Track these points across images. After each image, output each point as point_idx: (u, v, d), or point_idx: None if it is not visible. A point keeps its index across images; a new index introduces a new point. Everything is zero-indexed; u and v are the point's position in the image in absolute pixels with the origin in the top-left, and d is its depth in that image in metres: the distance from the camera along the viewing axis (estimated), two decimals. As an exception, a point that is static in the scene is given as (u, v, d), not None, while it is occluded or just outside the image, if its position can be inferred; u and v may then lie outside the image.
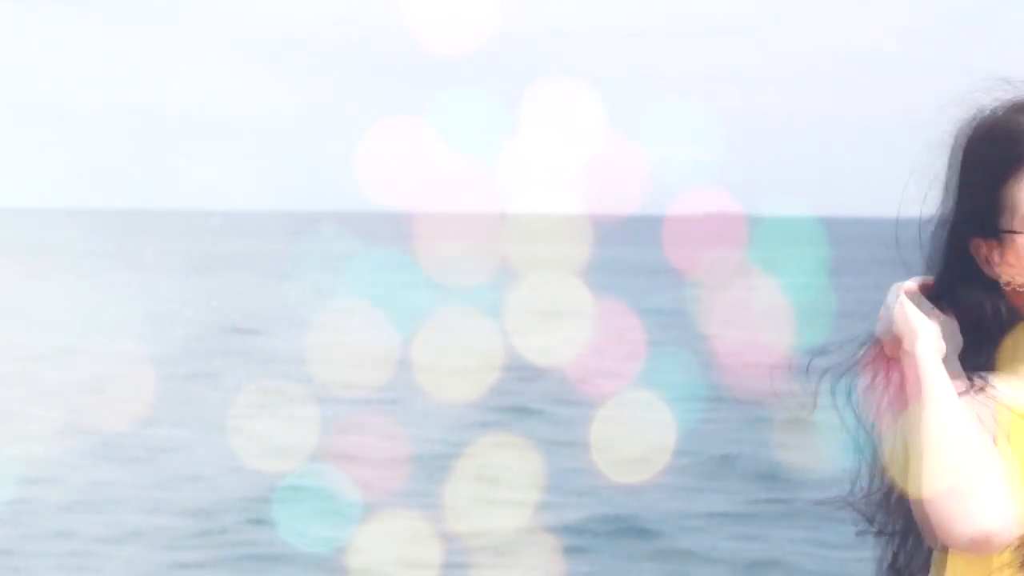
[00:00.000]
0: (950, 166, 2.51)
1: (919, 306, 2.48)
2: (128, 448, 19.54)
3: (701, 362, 27.14)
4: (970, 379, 2.47)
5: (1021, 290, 2.47)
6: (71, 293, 46.53)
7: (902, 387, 2.48)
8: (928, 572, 2.50)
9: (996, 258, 2.48)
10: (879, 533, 2.55)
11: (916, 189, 2.55)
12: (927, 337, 2.45)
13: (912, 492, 2.40)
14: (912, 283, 2.52)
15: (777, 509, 16.04)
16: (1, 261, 67.30)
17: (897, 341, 2.47)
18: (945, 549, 2.42)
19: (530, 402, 24.00)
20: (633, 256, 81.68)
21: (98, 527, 15.32)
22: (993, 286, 2.49)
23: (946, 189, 2.51)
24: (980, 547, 2.33)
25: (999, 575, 2.39)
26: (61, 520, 15.53)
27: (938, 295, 2.51)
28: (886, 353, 2.52)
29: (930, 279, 2.52)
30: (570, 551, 14.38)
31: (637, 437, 18.76)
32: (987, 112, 2.50)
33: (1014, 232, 2.45)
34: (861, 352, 2.55)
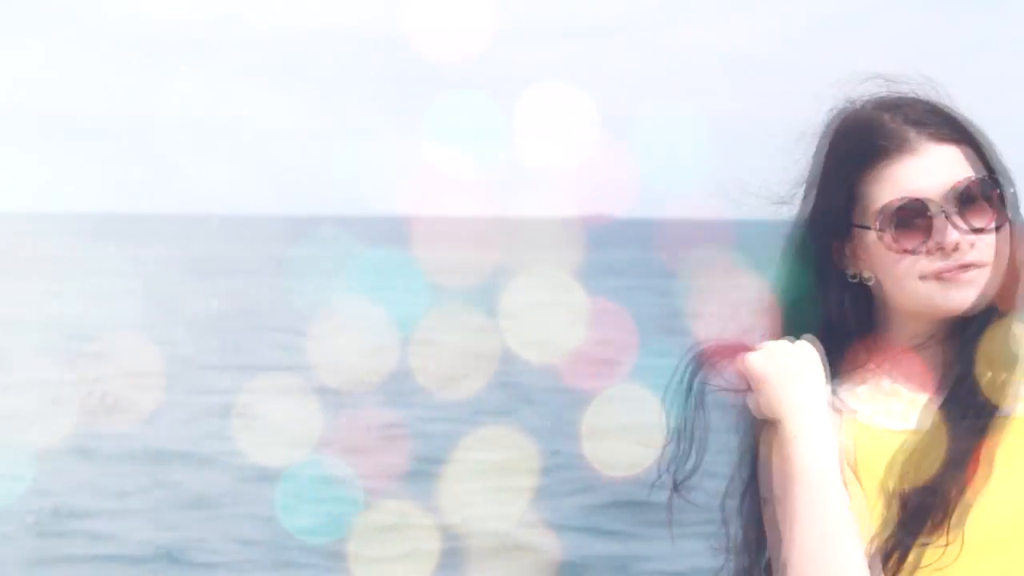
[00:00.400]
0: (813, 162, 2.48)
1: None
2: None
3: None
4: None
5: (869, 284, 2.45)
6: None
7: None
8: None
9: (848, 252, 2.46)
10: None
11: (783, 191, 2.51)
12: (803, 417, 2.35)
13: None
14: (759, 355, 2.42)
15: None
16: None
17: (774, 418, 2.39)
18: None
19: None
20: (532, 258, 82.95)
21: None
22: (848, 284, 2.47)
23: (808, 186, 2.48)
24: None
25: None
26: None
27: (796, 295, 2.48)
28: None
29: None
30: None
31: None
32: (851, 106, 2.47)
33: (864, 227, 2.43)
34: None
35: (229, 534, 15.03)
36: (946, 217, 2.38)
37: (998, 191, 2.40)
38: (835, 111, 2.48)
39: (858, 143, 2.42)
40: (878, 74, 2.49)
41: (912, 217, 2.39)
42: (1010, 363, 2.41)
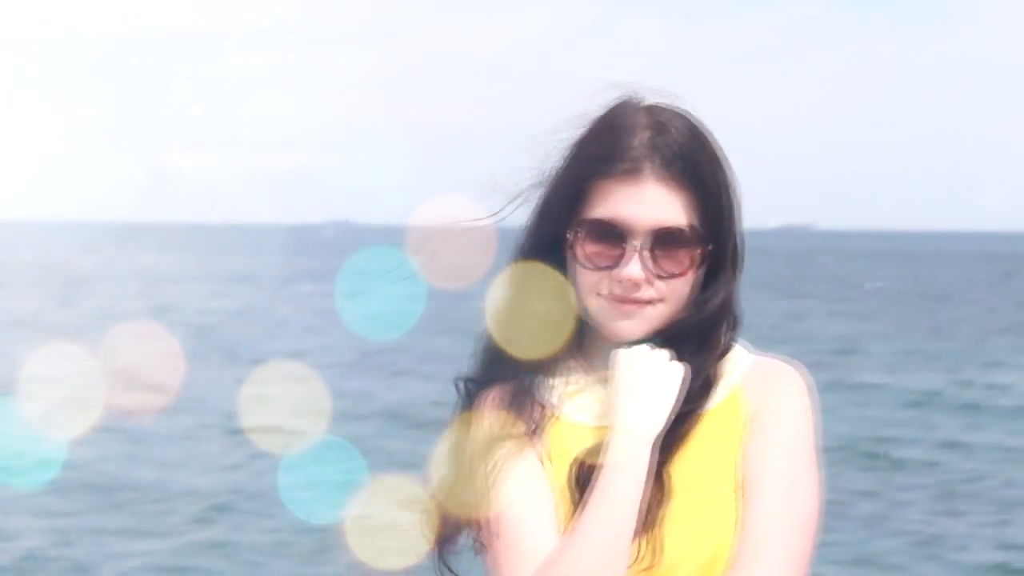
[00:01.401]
0: (556, 162, 2.49)
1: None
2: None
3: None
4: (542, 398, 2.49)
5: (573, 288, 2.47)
6: None
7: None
8: None
9: (565, 253, 2.48)
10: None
11: (515, 197, 2.52)
12: (632, 432, 2.39)
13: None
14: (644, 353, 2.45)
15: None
16: None
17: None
18: None
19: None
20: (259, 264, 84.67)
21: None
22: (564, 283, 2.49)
23: (545, 183, 2.49)
24: None
25: None
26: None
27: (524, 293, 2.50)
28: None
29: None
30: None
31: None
32: (606, 114, 2.46)
33: (576, 231, 2.44)
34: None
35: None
36: (640, 253, 2.40)
37: (701, 248, 2.42)
38: (588, 115, 2.47)
39: (596, 153, 2.42)
40: (613, 83, 2.50)
41: (610, 239, 2.41)
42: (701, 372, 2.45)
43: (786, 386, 2.48)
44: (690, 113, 2.47)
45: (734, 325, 2.50)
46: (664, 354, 2.45)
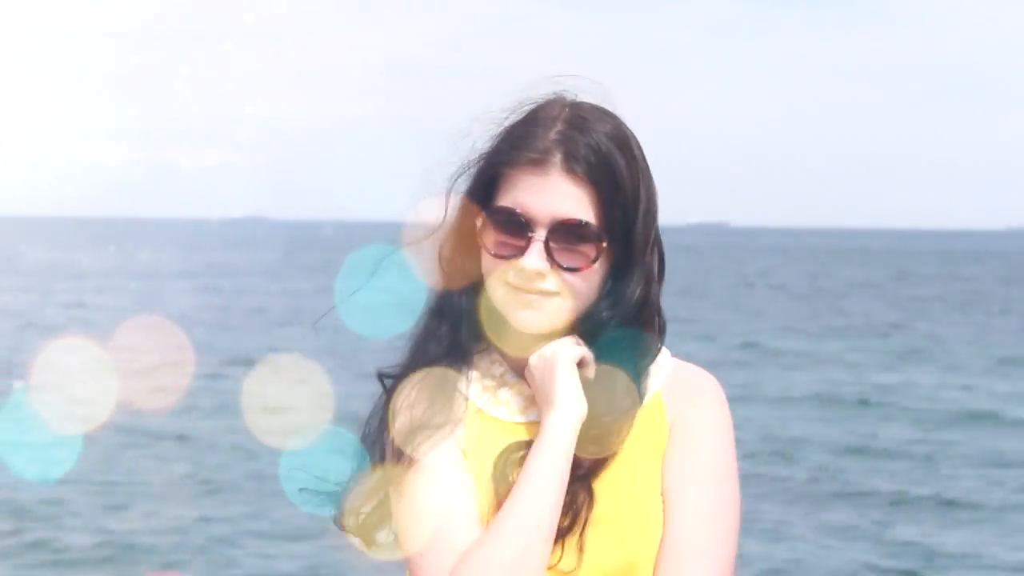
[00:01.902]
0: (482, 149, 2.48)
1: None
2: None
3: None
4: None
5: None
6: None
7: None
8: None
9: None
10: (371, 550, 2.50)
11: (429, 190, 2.51)
12: (566, 416, 2.38)
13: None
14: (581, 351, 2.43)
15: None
16: None
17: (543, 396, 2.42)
18: None
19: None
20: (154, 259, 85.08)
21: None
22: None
23: (469, 169, 2.48)
24: None
25: None
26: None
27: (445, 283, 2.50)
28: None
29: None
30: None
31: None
32: (531, 106, 2.47)
33: (483, 218, 2.44)
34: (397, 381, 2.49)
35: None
36: (542, 244, 2.40)
37: (602, 243, 2.40)
38: (516, 105, 2.47)
39: (511, 143, 2.42)
40: (547, 76, 2.50)
41: (514, 229, 2.41)
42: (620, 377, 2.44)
43: (708, 396, 2.48)
44: (615, 114, 2.46)
45: (662, 329, 2.49)
46: (583, 350, 2.44)
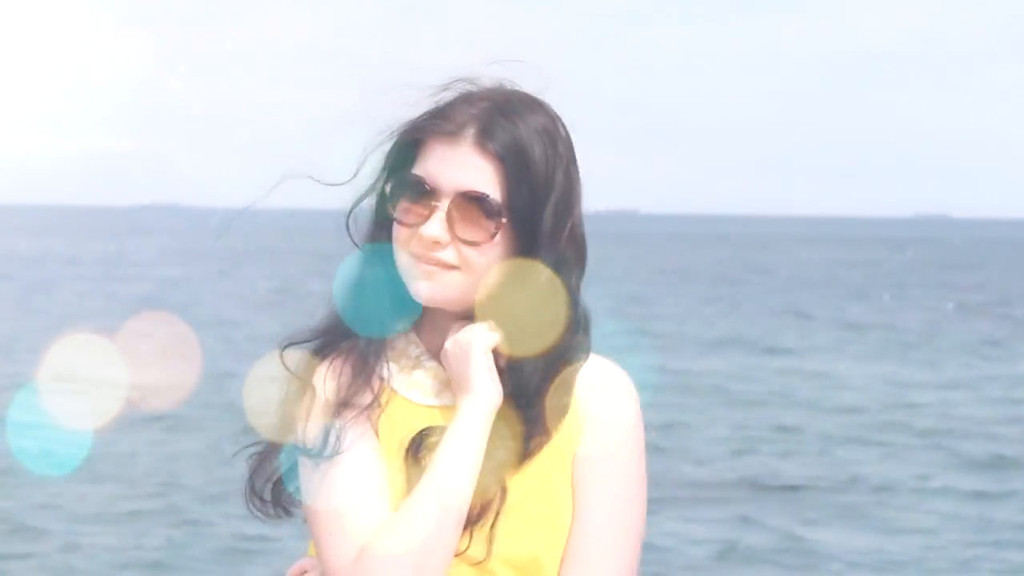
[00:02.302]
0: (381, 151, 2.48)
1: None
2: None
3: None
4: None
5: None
6: None
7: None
8: None
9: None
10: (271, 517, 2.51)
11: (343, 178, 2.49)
12: (480, 403, 2.38)
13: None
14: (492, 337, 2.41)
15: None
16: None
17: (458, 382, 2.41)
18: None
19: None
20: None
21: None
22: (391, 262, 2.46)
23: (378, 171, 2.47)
24: None
25: None
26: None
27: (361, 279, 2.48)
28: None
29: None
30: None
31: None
32: (455, 84, 2.47)
33: (393, 184, 2.45)
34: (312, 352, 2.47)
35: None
36: (443, 214, 2.39)
37: (502, 219, 2.39)
38: (450, 82, 2.48)
39: (430, 115, 2.44)
40: (466, 77, 2.49)
41: (420, 196, 2.41)
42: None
43: (620, 393, 2.47)
44: (547, 105, 2.46)
45: (583, 322, 2.48)
46: (499, 336, 2.43)
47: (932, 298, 51.09)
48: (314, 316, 2.50)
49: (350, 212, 2.48)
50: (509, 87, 2.47)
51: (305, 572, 2.47)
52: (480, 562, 2.38)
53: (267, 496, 2.48)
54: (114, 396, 20.31)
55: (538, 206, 2.41)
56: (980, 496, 16.64)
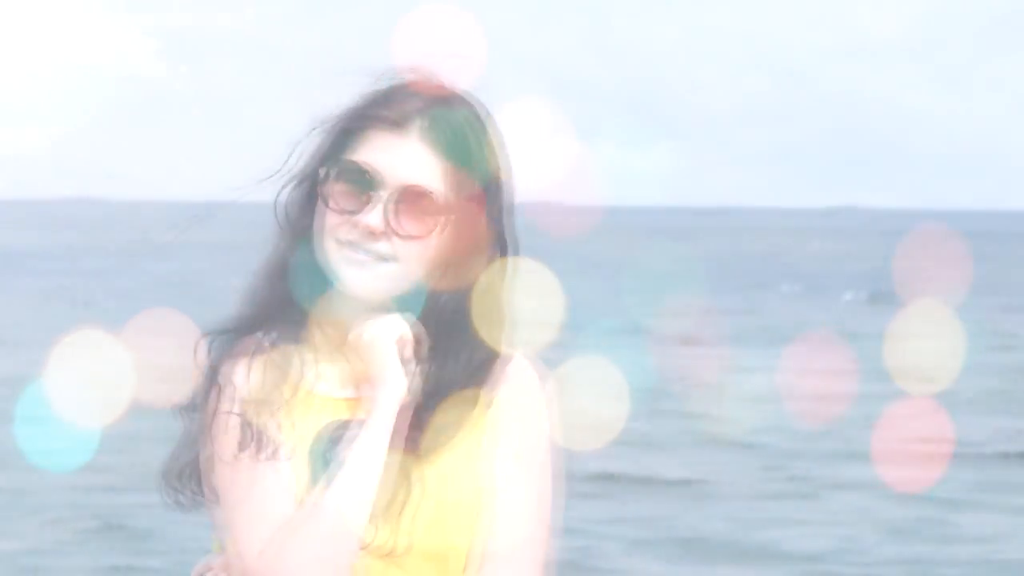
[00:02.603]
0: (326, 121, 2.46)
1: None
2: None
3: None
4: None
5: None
6: None
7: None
8: None
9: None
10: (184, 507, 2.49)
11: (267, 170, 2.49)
12: (387, 395, 2.38)
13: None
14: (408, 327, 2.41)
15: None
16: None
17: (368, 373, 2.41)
18: None
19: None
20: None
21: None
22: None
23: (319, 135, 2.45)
24: None
25: None
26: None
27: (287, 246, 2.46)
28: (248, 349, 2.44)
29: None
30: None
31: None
32: (400, 73, 2.46)
33: (330, 168, 2.41)
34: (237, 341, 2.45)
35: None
36: (385, 205, 2.37)
37: (444, 216, 2.39)
38: (385, 71, 2.47)
39: (373, 104, 2.41)
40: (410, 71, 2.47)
41: (359, 184, 2.38)
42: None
43: (530, 385, 2.49)
44: (481, 102, 2.47)
45: (508, 318, 2.47)
46: (411, 327, 2.42)
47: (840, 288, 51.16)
48: (229, 307, 2.48)
49: (278, 194, 2.45)
50: (446, 81, 2.46)
51: (210, 570, 2.45)
52: (390, 554, 2.37)
53: (181, 486, 2.45)
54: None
55: (480, 204, 2.41)
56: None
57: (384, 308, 2.42)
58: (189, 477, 2.45)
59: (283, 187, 2.45)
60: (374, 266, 2.40)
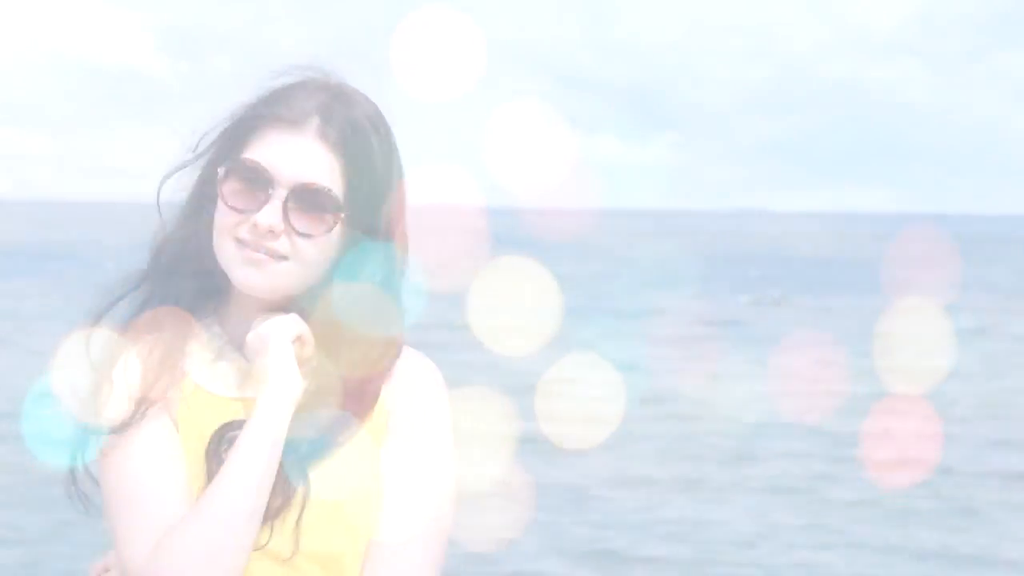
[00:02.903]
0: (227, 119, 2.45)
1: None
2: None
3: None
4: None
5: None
6: None
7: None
8: None
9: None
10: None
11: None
12: (279, 396, 2.35)
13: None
14: (296, 327, 2.39)
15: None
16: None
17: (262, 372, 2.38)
18: None
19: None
20: None
21: None
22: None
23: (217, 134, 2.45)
24: None
25: None
26: None
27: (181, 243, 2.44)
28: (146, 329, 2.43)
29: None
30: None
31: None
32: (295, 70, 2.46)
33: (226, 167, 2.40)
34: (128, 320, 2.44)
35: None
36: (280, 203, 2.36)
37: (341, 213, 2.38)
38: (281, 70, 2.46)
39: (270, 103, 2.40)
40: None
41: (256, 183, 2.37)
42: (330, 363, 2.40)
43: (428, 385, 2.47)
44: (374, 102, 2.46)
45: (401, 317, 2.47)
46: (303, 327, 2.40)
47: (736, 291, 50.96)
48: (120, 301, 2.45)
49: (158, 190, 2.45)
50: (341, 79, 2.46)
51: (108, 571, 2.45)
52: (283, 556, 2.34)
53: (77, 487, 2.42)
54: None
55: (376, 202, 2.41)
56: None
57: (281, 307, 2.40)
58: (85, 476, 2.42)
59: (176, 185, 2.45)
60: (269, 264, 2.38)
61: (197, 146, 2.44)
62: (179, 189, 2.48)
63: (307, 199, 2.37)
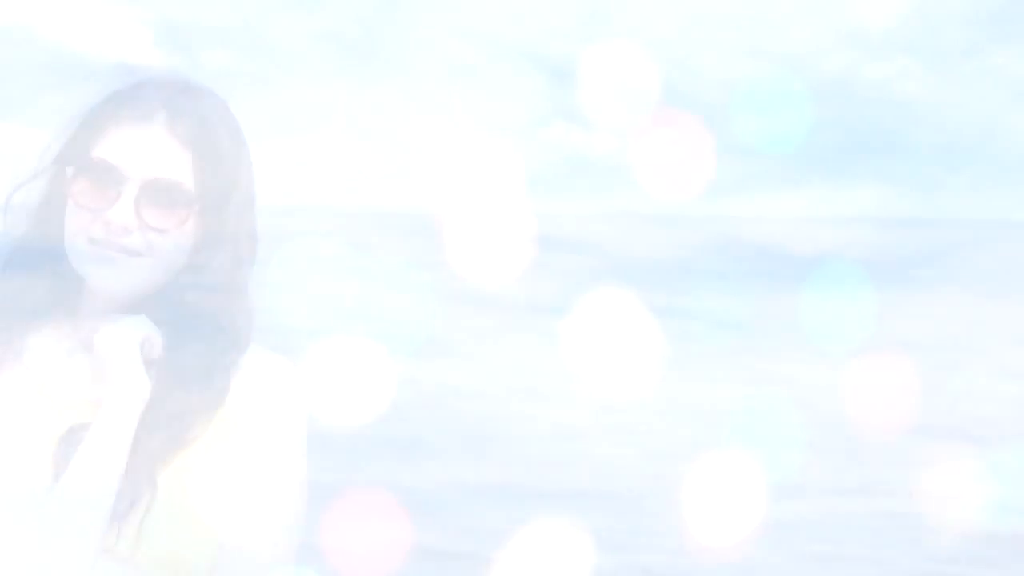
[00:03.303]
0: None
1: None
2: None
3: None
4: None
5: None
6: None
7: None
8: None
9: None
10: None
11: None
12: (124, 399, 2.33)
13: None
14: (144, 329, 2.36)
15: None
16: None
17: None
18: None
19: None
20: None
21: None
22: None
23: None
24: None
25: None
26: None
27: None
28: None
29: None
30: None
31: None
32: (145, 70, 2.43)
33: (74, 167, 2.36)
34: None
35: None
36: (132, 199, 2.33)
37: (193, 207, 2.35)
38: (131, 68, 2.44)
39: (116, 100, 2.37)
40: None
41: (106, 180, 2.34)
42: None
43: (275, 382, 2.43)
44: (224, 99, 2.44)
45: (250, 316, 2.44)
46: (151, 329, 2.38)
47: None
48: None
49: (10, 196, 2.40)
50: (186, 75, 2.46)
51: None
52: (126, 557, 2.31)
53: None
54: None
55: (225, 196, 2.39)
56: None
57: (133, 306, 2.37)
58: None
59: (17, 186, 2.41)
60: (125, 262, 2.35)
61: (45, 153, 2.41)
62: (29, 194, 2.45)
63: (159, 194, 2.35)
